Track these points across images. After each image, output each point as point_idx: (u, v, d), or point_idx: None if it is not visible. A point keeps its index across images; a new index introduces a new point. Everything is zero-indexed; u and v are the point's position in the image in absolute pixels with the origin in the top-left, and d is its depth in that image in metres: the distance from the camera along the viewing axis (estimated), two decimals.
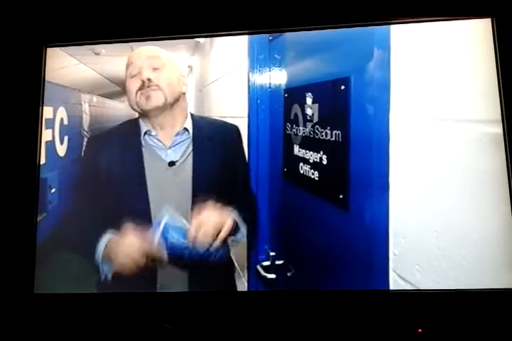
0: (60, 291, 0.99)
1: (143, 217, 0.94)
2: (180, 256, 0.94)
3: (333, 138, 0.92)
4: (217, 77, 1.03)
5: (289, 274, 0.95)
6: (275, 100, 0.98)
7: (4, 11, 1.09)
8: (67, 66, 1.03)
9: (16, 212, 1.00)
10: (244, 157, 0.97)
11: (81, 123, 1.02)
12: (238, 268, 0.96)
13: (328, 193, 0.92)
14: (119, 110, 1.03)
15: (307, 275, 0.93)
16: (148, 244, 0.95)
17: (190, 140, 0.98)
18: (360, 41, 0.93)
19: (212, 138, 0.98)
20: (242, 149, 0.97)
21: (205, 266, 0.94)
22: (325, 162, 0.93)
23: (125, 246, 0.94)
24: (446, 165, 0.89)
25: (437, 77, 0.91)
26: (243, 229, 0.95)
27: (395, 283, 0.88)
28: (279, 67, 0.99)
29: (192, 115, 1.00)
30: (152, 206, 0.95)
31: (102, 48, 1.04)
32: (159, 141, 0.99)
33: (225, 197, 0.95)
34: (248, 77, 0.99)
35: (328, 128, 0.92)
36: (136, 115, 1.01)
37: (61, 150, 1.02)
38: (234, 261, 0.96)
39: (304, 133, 0.96)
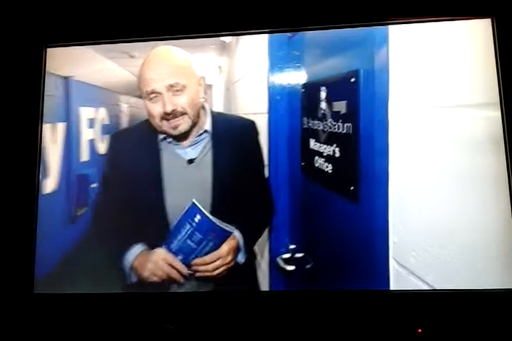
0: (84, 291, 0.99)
1: (162, 219, 0.96)
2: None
3: (345, 131, 0.93)
4: (241, 75, 1.06)
5: (308, 266, 0.96)
6: (293, 96, 1.00)
7: (4, 11, 1.08)
8: (106, 69, 1.09)
9: (16, 213, 1.01)
10: (261, 151, 0.99)
11: (120, 122, 1.09)
12: (259, 260, 1.00)
13: (340, 186, 0.94)
14: None
15: (324, 266, 0.95)
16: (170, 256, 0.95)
17: (209, 138, 1.00)
18: (366, 38, 0.96)
19: (229, 134, 0.99)
20: (258, 143, 0.99)
21: None
22: (337, 155, 0.94)
23: (151, 263, 0.95)
24: (443, 154, 0.91)
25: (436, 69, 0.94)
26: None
27: (394, 270, 0.90)
28: (297, 63, 1.01)
29: (212, 113, 1.01)
30: (168, 203, 0.97)
31: (135, 51, 1.09)
32: (178, 143, 1.00)
33: (244, 192, 0.98)
34: (268, 75, 1.02)
35: (341, 121, 0.94)
36: None
37: (101, 148, 1.09)
38: (256, 253, 0.99)
39: (318, 127, 0.98)
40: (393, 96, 0.93)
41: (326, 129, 0.97)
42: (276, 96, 1.01)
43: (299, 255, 0.97)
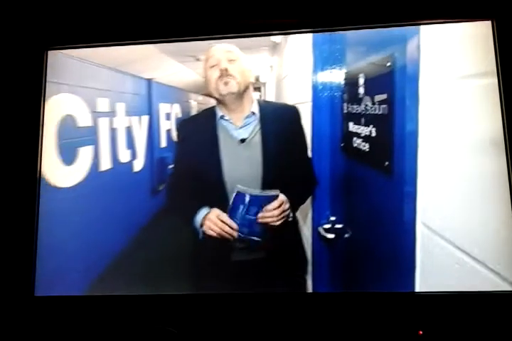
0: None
1: (222, 189, 1.13)
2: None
3: (381, 112, 1.03)
4: (288, 71, 1.22)
5: (346, 235, 1.09)
6: (334, 85, 1.13)
7: (6, 14, 1.10)
8: (178, 71, 1.29)
9: (16, 213, 1.06)
10: (304, 133, 1.13)
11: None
12: (303, 228, 1.15)
13: (376, 161, 1.06)
14: None
15: (360, 233, 1.07)
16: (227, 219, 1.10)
17: (257, 121, 1.16)
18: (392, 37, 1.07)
19: (275, 118, 1.15)
20: (301, 126, 1.13)
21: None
22: (374, 134, 1.04)
23: (208, 220, 1.11)
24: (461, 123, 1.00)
25: None
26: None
27: (422, 233, 1.00)
28: (338, 55, 1.14)
29: (258, 100, 1.19)
30: (226, 176, 1.13)
31: (202, 55, 1.25)
32: (232, 123, 1.18)
33: (289, 168, 1.13)
34: (312, 67, 1.16)
35: (377, 103, 1.04)
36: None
37: (176, 137, 1.28)
38: (300, 221, 1.14)
39: (357, 110, 1.09)
40: (423, 78, 1.02)
41: (363, 112, 1.09)
42: (319, 86, 1.15)
43: (338, 225, 1.10)
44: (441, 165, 1.01)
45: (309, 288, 1.09)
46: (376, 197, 1.06)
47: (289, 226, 1.12)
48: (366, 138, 1.08)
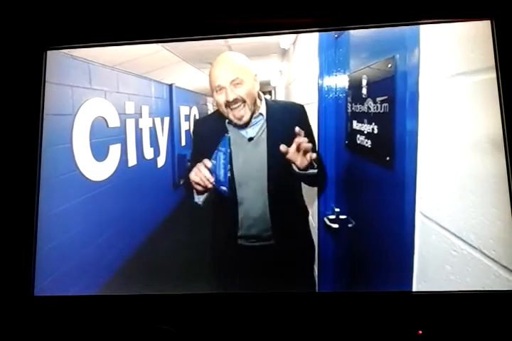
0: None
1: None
2: None
3: (382, 111, 1.12)
4: (297, 75, 1.32)
5: (350, 225, 1.18)
6: (339, 86, 1.22)
7: (5, 14, 1.09)
8: (196, 77, 1.38)
9: (16, 213, 1.06)
10: (311, 129, 1.21)
11: None
12: (311, 217, 1.24)
13: (378, 157, 1.13)
14: None
15: (363, 223, 1.16)
16: None
17: (264, 120, 1.24)
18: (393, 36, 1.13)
19: (281, 116, 1.22)
20: (308, 123, 1.21)
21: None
22: (376, 131, 1.13)
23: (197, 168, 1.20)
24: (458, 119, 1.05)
25: None
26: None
27: (421, 222, 1.06)
28: (342, 58, 1.23)
29: (266, 100, 1.26)
30: (235, 171, 1.22)
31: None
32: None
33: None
34: (318, 70, 1.26)
35: (379, 102, 1.13)
36: None
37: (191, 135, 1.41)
38: (308, 210, 1.24)
39: (360, 110, 1.18)
40: (423, 77, 1.08)
41: (366, 111, 1.18)
42: (325, 88, 1.25)
43: (342, 216, 1.20)
44: (440, 160, 1.07)
45: (315, 275, 1.18)
46: (378, 190, 1.15)
47: (300, 216, 1.22)
48: (369, 136, 1.16)
